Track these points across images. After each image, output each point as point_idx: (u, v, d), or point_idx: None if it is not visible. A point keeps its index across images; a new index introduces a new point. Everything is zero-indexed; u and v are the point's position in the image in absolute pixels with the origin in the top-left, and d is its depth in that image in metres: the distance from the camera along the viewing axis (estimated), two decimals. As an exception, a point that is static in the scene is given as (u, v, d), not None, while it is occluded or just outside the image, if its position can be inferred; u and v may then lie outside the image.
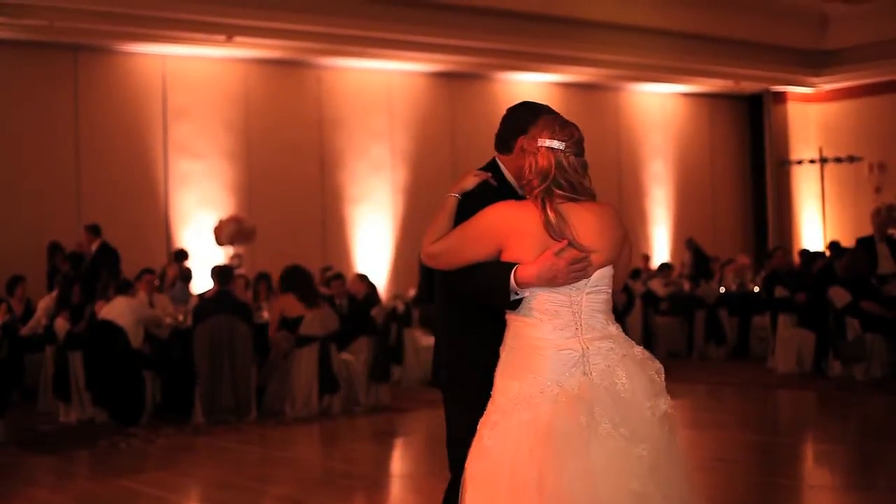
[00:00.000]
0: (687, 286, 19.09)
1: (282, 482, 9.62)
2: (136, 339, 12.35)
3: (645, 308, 17.78)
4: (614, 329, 4.34)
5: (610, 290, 4.37)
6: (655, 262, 21.93)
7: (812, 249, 19.91)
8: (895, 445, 10.53)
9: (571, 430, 4.13)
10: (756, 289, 18.15)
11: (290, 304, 13.01)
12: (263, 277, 15.92)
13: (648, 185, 23.77)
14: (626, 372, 4.24)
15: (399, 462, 11.01)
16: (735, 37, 22.11)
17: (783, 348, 15.54)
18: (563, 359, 4.24)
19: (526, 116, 4.58)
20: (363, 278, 15.27)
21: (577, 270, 4.24)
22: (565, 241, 4.22)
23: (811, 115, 25.24)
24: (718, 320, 18.15)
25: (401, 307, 16.47)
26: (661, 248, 23.66)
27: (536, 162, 4.31)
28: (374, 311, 14.51)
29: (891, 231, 17.51)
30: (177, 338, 12.98)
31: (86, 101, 17.60)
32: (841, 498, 8.45)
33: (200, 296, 13.91)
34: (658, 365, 4.35)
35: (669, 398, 4.31)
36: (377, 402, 13.22)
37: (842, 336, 14.49)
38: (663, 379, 4.33)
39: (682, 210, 24.18)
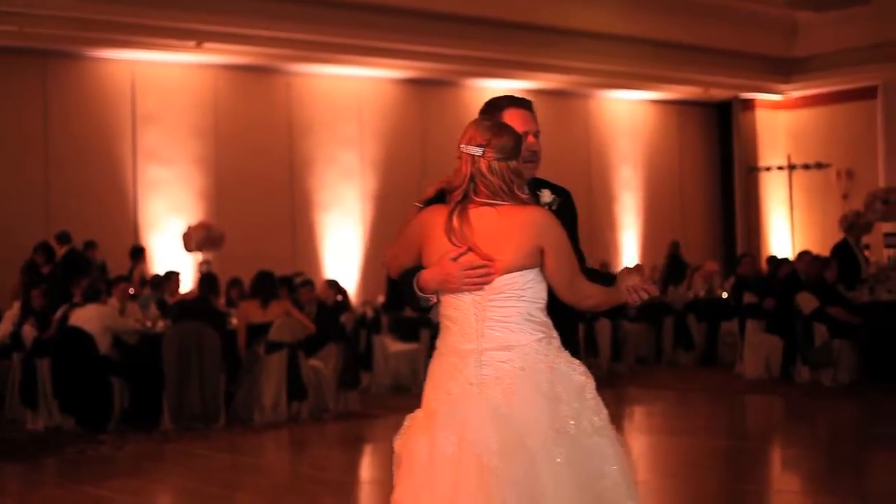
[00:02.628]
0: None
1: (250, 489, 9.61)
2: (103, 345, 12.30)
3: (613, 314, 17.83)
4: (526, 339, 4.19)
5: (531, 299, 4.22)
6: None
7: (780, 256, 20.01)
8: (863, 450, 10.59)
9: (420, 449, 4.16)
10: (724, 295, 18.21)
11: (252, 310, 13.01)
12: (236, 283, 15.88)
13: (618, 190, 23.81)
14: (515, 387, 4.12)
15: (368, 468, 11.00)
16: (704, 44, 22.20)
17: (751, 354, 15.60)
18: (456, 367, 4.20)
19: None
20: (333, 284, 15.26)
21: (472, 276, 4.19)
22: (464, 247, 4.17)
23: (780, 122, 25.34)
24: (687, 326, 18.20)
25: (370, 313, 16.45)
26: (629, 253, 23.71)
27: (459, 167, 4.26)
28: (344, 318, 14.50)
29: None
30: (145, 343, 12.93)
31: (55, 107, 17.53)
32: (809, 503, 8.49)
33: (178, 300, 13.91)
34: (581, 381, 4.20)
35: (600, 415, 4.17)
36: (346, 409, 13.20)
37: (809, 342, 14.56)
38: (589, 395, 4.18)
39: (651, 216, 24.24)
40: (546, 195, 4.53)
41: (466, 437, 4.07)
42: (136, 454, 11.13)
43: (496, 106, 4.60)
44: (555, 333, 4.27)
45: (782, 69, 24.05)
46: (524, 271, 4.20)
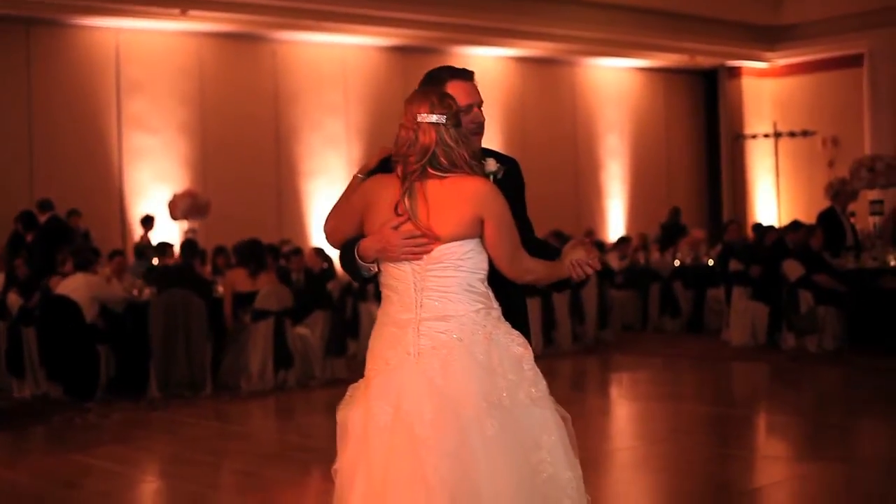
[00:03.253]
0: (642, 258, 19.17)
1: (237, 456, 9.61)
2: (90, 313, 12.28)
3: (600, 282, 17.83)
4: (465, 309, 4.19)
5: (470, 269, 4.20)
6: (612, 236, 22.04)
7: (766, 223, 20.03)
8: (847, 416, 10.63)
9: (357, 420, 4.23)
10: (710, 262, 18.23)
11: (240, 279, 12.99)
12: (221, 251, 15.87)
13: (604, 159, 23.82)
14: (452, 358, 4.13)
15: (355, 435, 10.99)
16: (691, 12, 22.19)
17: (737, 321, 15.64)
18: (395, 336, 4.21)
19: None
20: (320, 252, 15.26)
21: (410, 245, 4.18)
22: (404, 217, 4.17)
23: (766, 90, 25.35)
24: (673, 293, 18.22)
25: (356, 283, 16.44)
26: (616, 221, 23.74)
27: (417, 138, 4.19)
28: (331, 285, 14.49)
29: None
30: (132, 312, 12.90)
31: (39, 76, 17.45)
32: (794, 468, 8.53)
33: (162, 267, 13.88)
34: (519, 352, 4.19)
35: (538, 386, 4.14)
36: (333, 376, 13.19)
37: (795, 309, 14.60)
38: (527, 366, 4.16)
39: (637, 184, 24.26)
40: (490, 164, 4.47)
41: (402, 406, 4.10)
42: (123, 422, 11.12)
43: (437, 78, 4.52)
44: (495, 304, 4.26)
45: (768, 37, 24.04)
46: (464, 241, 4.19)
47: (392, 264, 4.24)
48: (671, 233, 20.45)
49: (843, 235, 16.93)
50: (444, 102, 4.22)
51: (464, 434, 4.02)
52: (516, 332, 4.23)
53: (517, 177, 4.61)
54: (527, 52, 21.98)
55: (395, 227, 4.18)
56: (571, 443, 4.14)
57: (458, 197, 4.17)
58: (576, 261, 4.24)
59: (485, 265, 4.23)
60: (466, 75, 4.54)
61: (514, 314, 4.38)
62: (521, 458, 4.02)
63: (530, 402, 4.11)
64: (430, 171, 4.19)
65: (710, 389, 13.20)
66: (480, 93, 4.55)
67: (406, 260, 4.20)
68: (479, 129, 4.48)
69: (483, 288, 4.23)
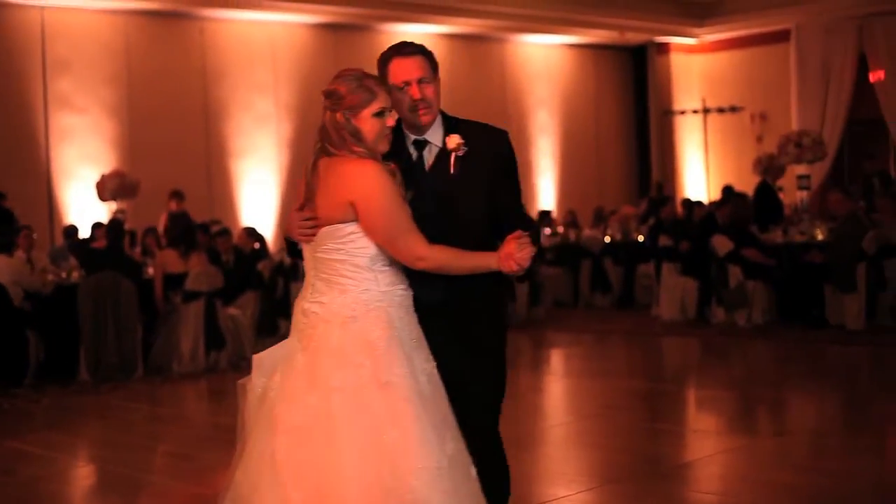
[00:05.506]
0: (573, 235, 19.24)
1: (170, 439, 9.57)
2: (16, 296, 12.13)
3: (531, 259, 17.88)
4: (338, 292, 4.24)
5: (352, 252, 4.23)
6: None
7: (695, 199, 20.17)
8: (777, 390, 10.76)
9: (254, 392, 4.34)
10: (640, 238, 18.34)
11: (171, 260, 12.91)
12: (151, 232, 15.75)
13: (534, 135, 23.85)
14: (315, 338, 4.24)
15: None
16: (619, -12, 22.27)
17: (667, 296, 15.77)
18: (294, 316, 4.37)
19: None
20: (251, 232, 15.19)
21: (302, 227, 4.30)
22: (301, 199, 4.28)
23: (694, 66, 25.49)
24: (604, 270, 18.32)
25: (288, 261, 16.36)
26: (546, 197, 23.79)
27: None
28: (261, 265, 14.43)
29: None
30: (60, 295, 12.77)
31: (-39, 55, 17.19)
32: (724, 441, 8.62)
33: (89, 249, 13.74)
34: (375, 337, 4.17)
35: (391, 370, 4.13)
36: (265, 357, 13.12)
37: (724, 283, 14.74)
38: (380, 352, 4.17)
39: (567, 160, 24.33)
40: (452, 141, 4.47)
41: (271, 382, 4.25)
42: (54, 407, 11.03)
43: (383, 59, 4.57)
44: (398, 286, 4.28)
45: (696, 13, 24.17)
46: (345, 224, 4.22)
47: (304, 246, 4.37)
48: (657, 206, 20.57)
49: (778, 209, 17.17)
50: (329, 86, 4.30)
51: (311, 413, 4.09)
52: (384, 318, 4.21)
53: (501, 149, 4.61)
54: (456, 28, 21.95)
55: (299, 209, 4.30)
56: (442, 432, 4.12)
57: (334, 179, 4.23)
58: (505, 254, 4.18)
59: (371, 247, 4.24)
60: (405, 51, 4.53)
61: (483, 296, 4.48)
62: (369, 441, 4.04)
63: (378, 386, 4.10)
64: (331, 149, 4.27)
65: (640, 365, 13.31)
66: (430, 67, 4.53)
67: (303, 241, 4.33)
68: (415, 106, 4.45)
69: (373, 269, 4.24)
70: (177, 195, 16.93)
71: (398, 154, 4.46)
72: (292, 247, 4.53)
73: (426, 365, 4.26)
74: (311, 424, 4.08)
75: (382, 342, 4.17)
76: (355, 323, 4.19)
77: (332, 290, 4.24)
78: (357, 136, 4.24)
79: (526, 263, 4.20)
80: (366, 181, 4.17)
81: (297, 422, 4.10)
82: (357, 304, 4.21)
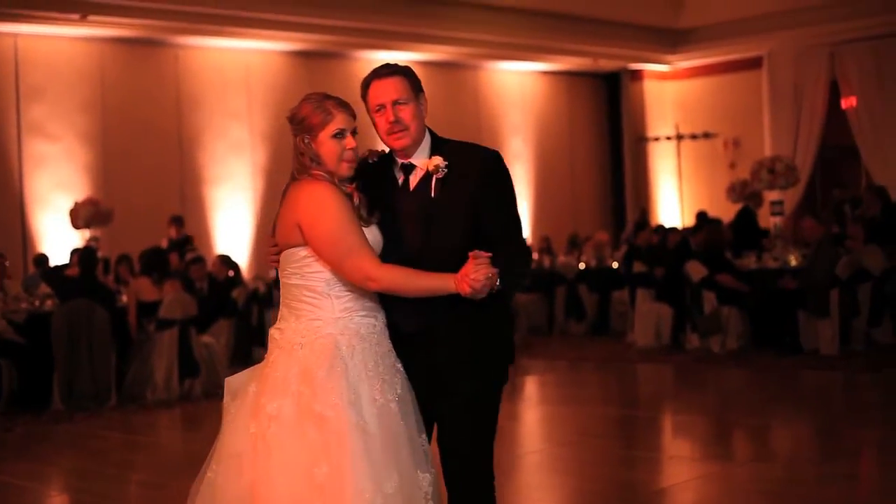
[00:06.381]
0: (547, 262, 19.26)
1: (144, 468, 9.52)
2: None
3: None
4: (294, 317, 4.24)
5: (308, 276, 4.22)
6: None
7: (668, 225, 20.23)
8: (751, 416, 10.78)
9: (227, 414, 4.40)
10: (615, 264, 18.37)
11: (145, 288, 12.87)
12: (124, 259, 15.70)
13: (509, 162, 23.41)
14: (266, 365, 4.29)
15: (263, 444, 10.93)
16: (592, 15, 22.31)
17: (642, 323, 15.79)
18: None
19: None
20: (226, 260, 15.15)
21: (268, 254, 4.38)
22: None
23: (667, 93, 25.61)
24: (578, 296, 18.34)
25: (262, 288, 16.35)
26: (522, 223, 23.77)
27: None
28: (236, 293, 14.40)
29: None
30: (33, 323, 12.70)
31: (-66, 82, 17.13)
32: (700, 468, 8.63)
33: (62, 277, 13.68)
34: (313, 366, 4.13)
35: (325, 400, 4.08)
36: (240, 385, 13.09)
37: (699, 309, 14.77)
38: (318, 382, 4.11)
39: (541, 187, 24.36)
40: (431, 163, 4.41)
41: (232, 405, 4.34)
42: (27, 436, 10.97)
43: (364, 83, 4.53)
44: (339, 314, 4.21)
45: (669, 40, 24.27)
46: (297, 248, 4.22)
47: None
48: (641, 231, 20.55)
49: (759, 234, 17.26)
50: (292, 110, 4.38)
51: (250, 441, 4.10)
52: (330, 347, 4.15)
53: (488, 170, 4.53)
54: (429, 56, 21.98)
55: (272, 234, 4.34)
56: (385, 468, 4.04)
57: (287, 203, 4.26)
58: (461, 275, 4.04)
59: (326, 271, 4.20)
60: (381, 73, 4.48)
61: (484, 321, 4.35)
62: (296, 475, 4.00)
63: (313, 416, 4.05)
64: (294, 173, 4.32)
65: (615, 391, 13.32)
66: (408, 88, 4.45)
67: (272, 266, 4.39)
68: (391, 129, 4.39)
69: (329, 295, 4.21)
70: (176, 221, 16.92)
71: (385, 178, 4.45)
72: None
73: (379, 397, 4.13)
74: (249, 452, 4.08)
75: (322, 371, 4.10)
76: (301, 350, 4.17)
77: (291, 316, 4.25)
78: (317, 159, 4.24)
79: (478, 286, 4.03)
80: (309, 202, 4.16)
81: (238, 449, 4.12)
82: (308, 331, 4.19)
